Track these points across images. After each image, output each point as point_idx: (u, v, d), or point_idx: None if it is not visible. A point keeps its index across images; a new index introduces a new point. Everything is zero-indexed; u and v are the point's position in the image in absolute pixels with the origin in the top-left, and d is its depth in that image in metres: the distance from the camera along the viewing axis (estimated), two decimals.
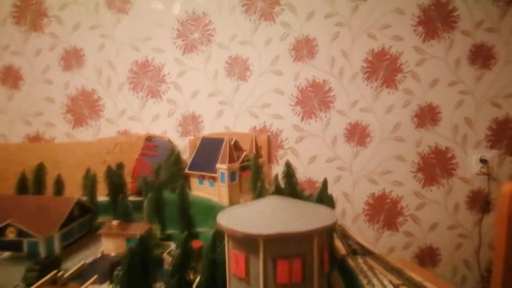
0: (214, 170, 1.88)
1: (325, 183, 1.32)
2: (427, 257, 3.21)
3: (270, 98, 3.17)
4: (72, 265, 1.65)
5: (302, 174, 3.10)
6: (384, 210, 3.18)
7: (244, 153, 1.85)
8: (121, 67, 3.20)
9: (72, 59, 3.20)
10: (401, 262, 1.47)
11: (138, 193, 2.41)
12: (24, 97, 3.23)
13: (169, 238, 1.79)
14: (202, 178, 1.95)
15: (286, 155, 3.15)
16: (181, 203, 1.65)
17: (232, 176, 1.80)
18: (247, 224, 0.72)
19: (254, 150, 1.88)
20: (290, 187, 1.63)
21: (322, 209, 0.83)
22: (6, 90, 3.23)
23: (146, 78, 3.21)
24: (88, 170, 2.47)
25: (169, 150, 3.13)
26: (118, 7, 3.17)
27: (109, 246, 1.71)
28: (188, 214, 1.66)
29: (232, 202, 1.80)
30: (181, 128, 3.24)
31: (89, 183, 2.09)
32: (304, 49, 3.12)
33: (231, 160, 1.80)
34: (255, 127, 3.19)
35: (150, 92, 3.22)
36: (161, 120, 3.24)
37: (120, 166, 2.40)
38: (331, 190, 2.78)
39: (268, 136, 3.14)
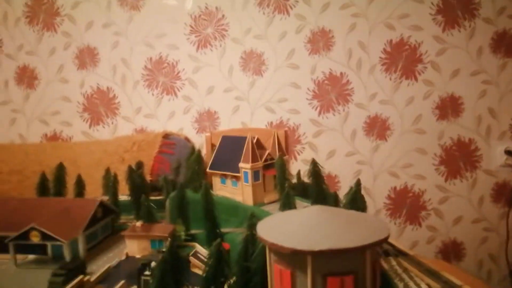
0: (236, 169, 1.84)
1: (358, 184, 1.27)
2: (451, 252, 3.15)
3: (287, 93, 3.11)
4: (97, 268, 1.64)
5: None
6: (406, 205, 3.12)
7: (267, 152, 1.81)
8: (136, 65, 3.17)
9: (86, 57, 3.18)
10: (426, 261, 1.42)
11: (157, 191, 2.39)
12: (40, 97, 3.23)
13: (193, 238, 1.76)
14: (224, 177, 1.92)
15: (304, 150, 3.11)
16: (205, 203, 1.62)
17: (255, 175, 1.76)
18: (293, 238, 0.68)
19: (276, 148, 1.84)
20: (318, 187, 1.60)
21: (372, 220, 0.78)
22: (22, 91, 3.24)
23: (161, 75, 3.18)
24: (107, 170, 2.47)
25: (186, 147, 3.11)
26: (130, 4, 3.13)
27: (134, 248, 1.69)
28: (213, 215, 1.63)
29: (256, 202, 1.76)
30: (197, 125, 3.22)
31: (110, 183, 2.08)
32: (320, 41, 3.06)
33: (254, 159, 1.76)
34: (271, 123, 3.15)
35: (165, 89, 3.19)
36: (177, 117, 3.21)
37: (140, 165, 2.38)
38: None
39: (286, 131, 3.09)
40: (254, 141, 1.84)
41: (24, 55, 3.21)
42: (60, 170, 2.36)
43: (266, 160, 1.82)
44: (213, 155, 1.99)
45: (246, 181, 1.77)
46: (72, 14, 3.17)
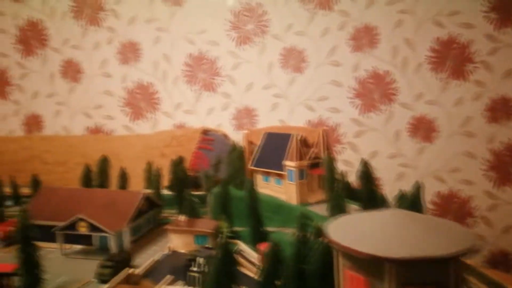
0: (280, 167, 1.81)
1: (418, 188, 1.20)
2: (500, 262, 2.98)
3: (327, 91, 3.04)
4: (141, 260, 1.65)
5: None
6: (451, 210, 2.98)
7: (313, 150, 1.76)
8: (176, 60, 3.19)
9: (128, 52, 3.23)
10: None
11: (196, 186, 2.38)
12: (84, 90, 3.31)
13: (236, 236, 1.74)
14: (267, 175, 1.89)
15: (344, 150, 3.03)
16: (250, 201, 1.60)
17: (300, 174, 1.72)
18: (369, 243, 0.63)
19: (322, 147, 1.78)
20: (368, 189, 1.53)
21: (454, 226, 0.72)
22: (67, 84, 3.33)
23: (201, 71, 3.18)
24: (149, 164, 2.50)
25: (224, 144, 3.10)
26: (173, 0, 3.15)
27: (177, 242, 1.69)
28: (258, 213, 1.60)
29: (301, 201, 1.72)
30: (235, 122, 3.20)
31: (154, 177, 2.10)
32: (364, 38, 2.96)
33: (300, 157, 1.72)
34: (310, 121, 3.09)
35: (205, 85, 3.19)
36: (215, 114, 3.21)
37: (181, 160, 2.39)
38: (392, 187, 2.63)
39: (325, 130, 3.02)
40: (299, 138, 1.80)
41: (69, 49, 3.29)
42: (104, 162, 2.41)
43: (311, 159, 1.77)
44: (256, 152, 1.96)
45: (291, 179, 1.73)
46: (116, 9, 3.22)
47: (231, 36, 3.11)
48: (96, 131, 3.34)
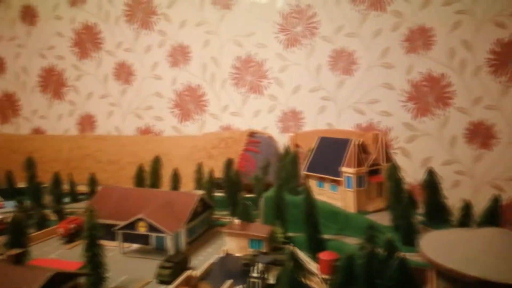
0: (335, 173, 1.77)
1: (496, 200, 1.12)
2: None
3: (378, 94, 2.95)
4: (196, 262, 1.67)
5: (412, 177, 2.84)
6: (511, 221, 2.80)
7: (372, 156, 1.71)
8: (225, 63, 3.22)
9: (179, 55, 3.30)
10: None
11: (220, 188, 2.33)
12: (135, 92, 3.42)
13: (290, 241, 1.72)
14: (322, 180, 1.85)
15: (395, 156, 2.92)
16: (307, 207, 1.57)
17: (359, 181, 1.67)
18: (476, 265, 0.59)
19: (382, 153, 1.72)
20: (434, 198, 1.46)
21: None
22: (119, 86, 3.45)
23: (248, 74, 3.19)
24: (199, 165, 2.53)
25: (271, 146, 3.09)
26: (222, 3, 3.18)
27: (233, 246, 1.70)
28: (315, 219, 1.57)
29: (359, 209, 1.67)
30: (281, 124, 3.18)
31: (206, 178, 2.13)
32: (418, 40, 2.85)
33: (359, 163, 1.67)
34: (360, 124, 3.01)
35: (252, 88, 3.20)
36: (262, 116, 3.20)
37: (231, 162, 2.40)
38: (447, 195, 2.48)
39: (376, 135, 2.93)
40: (358, 143, 1.75)
41: (122, 52, 3.41)
42: (157, 162, 2.47)
43: (370, 166, 1.72)
44: (310, 156, 1.93)
45: (349, 186, 1.68)
46: (168, 13, 3.30)
47: (279, 39, 3.10)
48: (146, 131, 3.43)
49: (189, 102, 3.33)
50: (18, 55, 3.61)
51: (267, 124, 3.20)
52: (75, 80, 3.53)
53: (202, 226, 1.92)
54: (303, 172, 1.90)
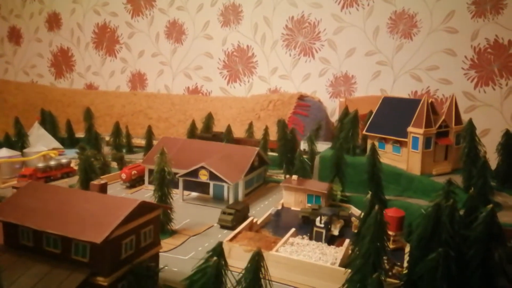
0: (400, 134, 1.71)
1: None
2: None
3: (439, 60, 2.80)
4: (254, 213, 1.69)
5: None
6: None
7: (442, 118, 1.63)
8: (277, 24, 3.14)
9: (230, 14, 3.25)
10: None
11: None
12: (185, 52, 3.42)
13: (348, 200, 1.71)
14: (383, 141, 1.80)
15: None
16: (371, 166, 1.53)
17: (427, 142, 1.60)
18: None
19: (453, 115, 1.64)
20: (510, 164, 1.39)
21: None
22: (170, 44, 3.46)
23: (301, 36, 3.11)
24: (251, 124, 2.54)
25: (320, 110, 3.03)
26: None
27: (290, 200, 1.70)
28: (379, 178, 1.53)
29: (424, 172, 1.62)
30: (331, 89, 3.10)
31: (262, 136, 2.13)
32: (487, 3, 2.65)
33: (428, 124, 1.60)
34: (416, 92, 2.89)
35: (303, 50, 3.12)
36: (311, 80, 3.14)
37: (285, 122, 2.39)
38: None
39: (431, 103, 2.81)
40: (428, 103, 1.67)
41: (174, 10, 3.40)
42: (209, 119, 2.49)
43: (439, 127, 1.65)
44: (372, 116, 1.87)
45: (415, 148, 1.63)
46: None
47: None
48: (194, 91, 3.46)
49: (238, 63, 3.30)
50: (73, 11, 3.69)
51: (317, 88, 3.14)
52: (127, 38, 3.57)
53: (258, 180, 1.94)
54: (364, 132, 1.85)
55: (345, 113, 1.99)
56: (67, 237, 0.90)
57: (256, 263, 0.83)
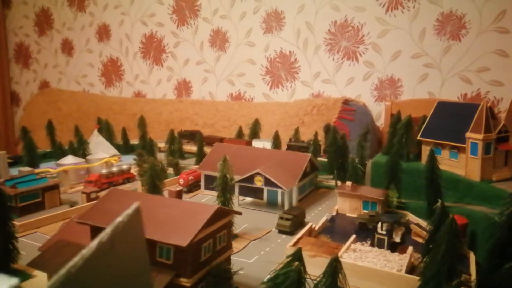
0: (458, 139, 1.69)
1: None
2: None
3: (490, 61, 2.71)
4: (309, 218, 1.72)
5: None
6: None
7: (502, 123, 1.60)
8: (319, 28, 3.16)
9: (273, 21, 3.30)
10: None
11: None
12: (229, 59, 3.51)
13: (405, 207, 1.70)
14: (439, 147, 1.78)
15: None
16: (430, 172, 1.52)
17: (486, 148, 1.57)
18: None
19: None
20: None
21: None
22: (214, 52, 3.56)
23: (344, 40, 3.11)
24: (297, 129, 2.57)
25: (366, 114, 3.02)
26: None
27: (345, 206, 1.72)
28: (438, 185, 1.52)
29: (484, 178, 1.59)
30: (376, 93, 3.08)
31: (311, 142, 2.15)
32: None
33: (487, 129, 1.57)
34: (465, 94, 2.81)
35: (347, 54, 3.12)
36: (355, 84, 3.12)
37: (329, 127, 2.41)
38: None
39: (490, 107, 2.73)
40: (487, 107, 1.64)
41: (218, 19, 3.49)
42: (256, 125, 2.55)
43: (499, 133, 1.61)
44: (427, 121, 1.86)
45: (474, 153, 1.60)
46: None
47: (380, 1, 2.95)
48: (237, 97, 3.53)
49: (281, 69, 3.35)
50: (122, 22, 3.86)
51: (361, 92, 3.12)
52: (173, 47, 3.70)
53: (310, 186, 1.96)
54: (418, 137, 1.84)
55: (397, 117, 1.98)
56: (152, 240, 0.97)
57: (334, 269, 0.86)
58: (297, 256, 0.85)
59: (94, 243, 0.38)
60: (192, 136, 2.80)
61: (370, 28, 3.02)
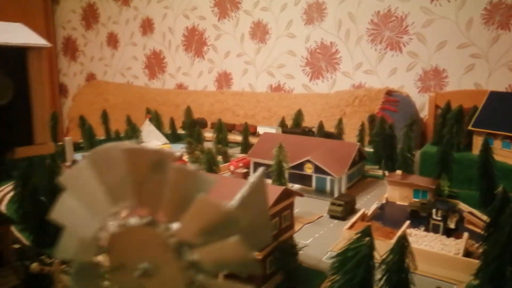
0: (510, 129, 1.67)
1: None
2: None
3: None
4: (358, 206, 1.76)
5: None
6: None
7: None
8: (362, 19, 3.15)
9: (314, 12, 3.31)
10: None
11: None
12: (269, 51, 3.55)
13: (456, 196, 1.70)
14: (491, 137, 1.77)
15: None
16: (484, 162, 1.52)
17: None
18: None
19: None
20: None
21: None
22: (254, 44, 3.61)
23: (387, 30, 3.08)
24: (340, 120, 2.59)
25: (410, 106, 3.00)
26: None
27: (395, 194, 1.74)
28: (492, 175, 1.52)
29: None
30: (420, 83, 3.04)
31: (357, 132, 2.18)
32: None
33: None
34: None
35: (390, 44, 3.09)
36: (399, 74, 3.10)
37: (374, 117, 2.42)
38: None
39: None
40: None
41: (259, 11, 3.54)
42: (299, 115, 2.59)
43: None
44: (478, 111, 1.84)
45: None
46: None
47: None
48: (277, 89, 3.58)
49: (321, 60, 3.36)
50: (165, 16, 3.99)
51: (404, 83, 3.10)
52: (214, 39, 3.79)
53: (358, 175, 1.99)
54: (470, 128, 1.83)
55: (447, 107, 1.97)
56: None
57: (402, 246, 0.90)
58: (367, 232, 0.90)
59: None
60: (202, 123, 2.93)
61: (414, 18, 2.98)
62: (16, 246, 1.27)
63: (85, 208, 0.44)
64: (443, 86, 2.97)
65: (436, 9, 2.90)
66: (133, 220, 0.43)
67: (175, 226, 0.42)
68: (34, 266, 0.91)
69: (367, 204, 1.75)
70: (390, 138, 2.02)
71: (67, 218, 0.45)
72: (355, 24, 3.18)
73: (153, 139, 2.37)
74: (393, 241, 1.29)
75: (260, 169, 0.51)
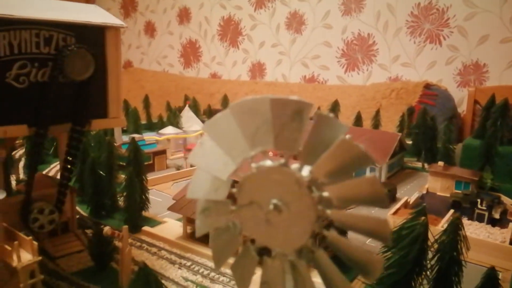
0: None
1: None
2: None
3: None
4: (399, 195, 1.78)
5: None
6: None
7: None
8: (401, 11, 3.11)
9: (352, 3, 3.30)
10: None
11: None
12: (304, 42, 3.57)
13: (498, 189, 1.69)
14: None
15: None
16: None
17: None
18: None
19: None
20: None
21: None
22: (290, 35, 3.63)
23: (427, 22, 3.04)
24: (377, 111, 2.59)
25: (449, 100, 2.95)
26: None
27: (436, 185, 1.75)
28: None
29: None
30: (460, 78, 2.99)
31: (398, 123, 2.18)
32: None
33: None
34: None
35: (429, 37, 3.05)
36: (438, 68, 3.06)
37: (412, 110, 2.42)
38: None
39: None
40: None
41: (296, 2, 3.54)
42: (335, 106, 2.61)
43: None
44: None
45: None
46: None
47: None
48: (311, 80, 3.59)
49: (358, 51, 3.35)
50: (202, 5, 4.05)
51: (443, 76, 3.05)
52: (249, 29, 3.83)
53: (397, 165, 2.00)
54: None
55: (491, 101, 1.95)
56: None
57: (456, 226, 0.93)
58: (422, 212, 0.92)
59: None
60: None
61: (456, 11, 2.93)
62: (77, 216, 1.36)
63: (224, 152, 0.49)
64: (482, 81, 2.91)
65: (479, 2, 2.83)
66: (269, 162, 0.48)
67: (306, 168, 0.47)
68: (106, 229, 0.99)
69: (407, 194, 1.75)
70: (431, 130, 2.02)
71: (205, 160, 0.50)
72: (394, 16, 3.15)
73: (194, 123, 2.44)
74: (439, 227, 1.32)
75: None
